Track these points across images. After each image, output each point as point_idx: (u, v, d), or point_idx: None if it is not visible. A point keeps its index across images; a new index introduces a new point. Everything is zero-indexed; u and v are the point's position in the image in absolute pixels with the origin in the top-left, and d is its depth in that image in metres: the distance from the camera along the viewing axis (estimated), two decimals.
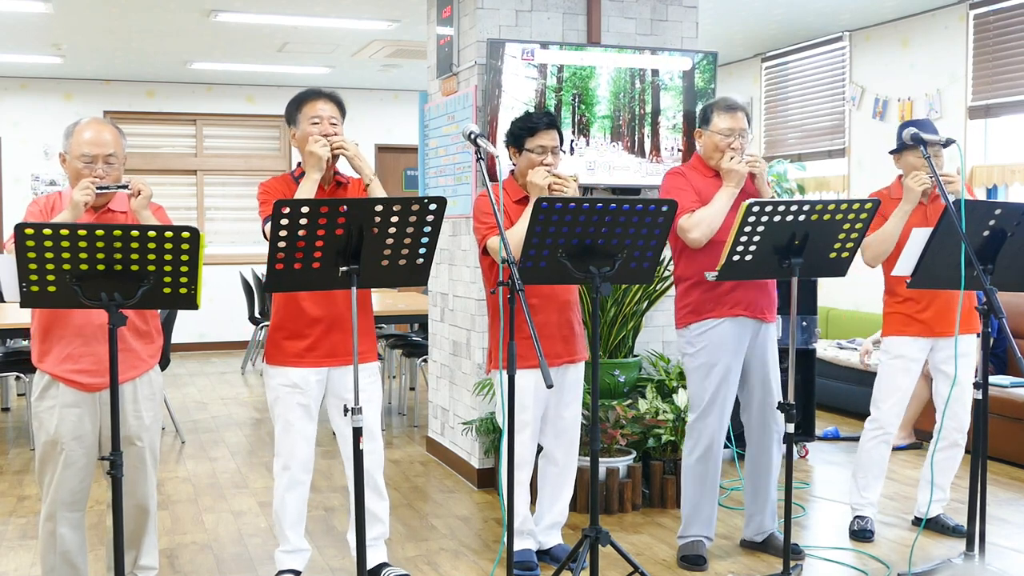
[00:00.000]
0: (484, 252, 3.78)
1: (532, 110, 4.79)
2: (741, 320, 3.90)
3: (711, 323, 3.89)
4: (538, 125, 3.74)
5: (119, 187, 3.23)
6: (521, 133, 3.76)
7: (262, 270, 8.08)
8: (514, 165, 3.85)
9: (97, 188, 3.18)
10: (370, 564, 3.79)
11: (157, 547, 3.58)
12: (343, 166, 3.69)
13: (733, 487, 5.00)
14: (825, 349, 7.16)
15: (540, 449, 3.99)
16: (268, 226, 3.46)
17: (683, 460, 4.06)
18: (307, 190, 3.47)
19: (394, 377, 7.94)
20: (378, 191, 3.55)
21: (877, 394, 4.32)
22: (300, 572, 3.74)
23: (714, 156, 3.92)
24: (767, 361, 4.00)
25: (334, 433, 3.81)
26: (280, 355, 3.60)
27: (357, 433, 3.02)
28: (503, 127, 4.69)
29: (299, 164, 3.63)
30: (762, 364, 3.99)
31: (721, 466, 4.04)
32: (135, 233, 2.81)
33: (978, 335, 5.29)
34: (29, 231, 2.73)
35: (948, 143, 3.81)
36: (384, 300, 7.57)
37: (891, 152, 4.31)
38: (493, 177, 4.41)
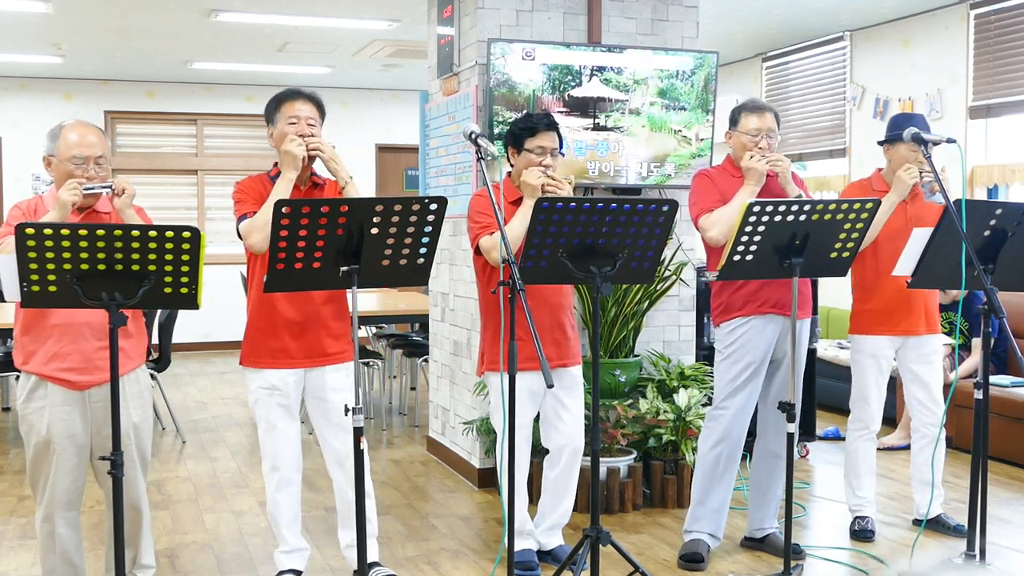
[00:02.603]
0: (477, 252, 3.78)
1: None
2: (770, 317, 3.91)
3: (740, 321, 3.93)
4: (538, 126, 3.74)
5: (104, 187, 3.23)
6: (521, 133, 3.76)
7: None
8: (512, 166, 3.85)
9: (84, 188, 3.17)
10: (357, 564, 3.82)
11: (153, 546, 3.58)
12: (321, 168, 3.68)
13: (735, 486, 4.99)
14: (825, 349, 7.16)
15: (546, 452, 3.99)
16: (243, 225, 3.50)
17: (698, 451, 4.08)
18: (282, 190, 3.46)
19: (394, 377, 7.94)
20: (353, 193, 3.54)
21: (855, 394, 4.37)
22: (300, 572, 3.74)
23: (742, 156, 3.94)
24: (796, 358, 3.99)
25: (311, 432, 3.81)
26: (256, 357, 3.59)
27: (358, 433, 3.02)
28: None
29: (275, 164, 3.63)
30: (788, 361, 3.97)
31: (737, 465, 4.04)
32: (136, 233, 2.81)
33: (964, 336, 5.27)
34: (30, 231, 2.73)
35: (950, 142, 3.82)
36: (384, 300, 7.57)
37: (881, 143, 4.32)
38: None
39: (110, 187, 3.24)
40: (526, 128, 3.75)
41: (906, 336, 4.28)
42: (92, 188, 3.21)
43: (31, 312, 3.20)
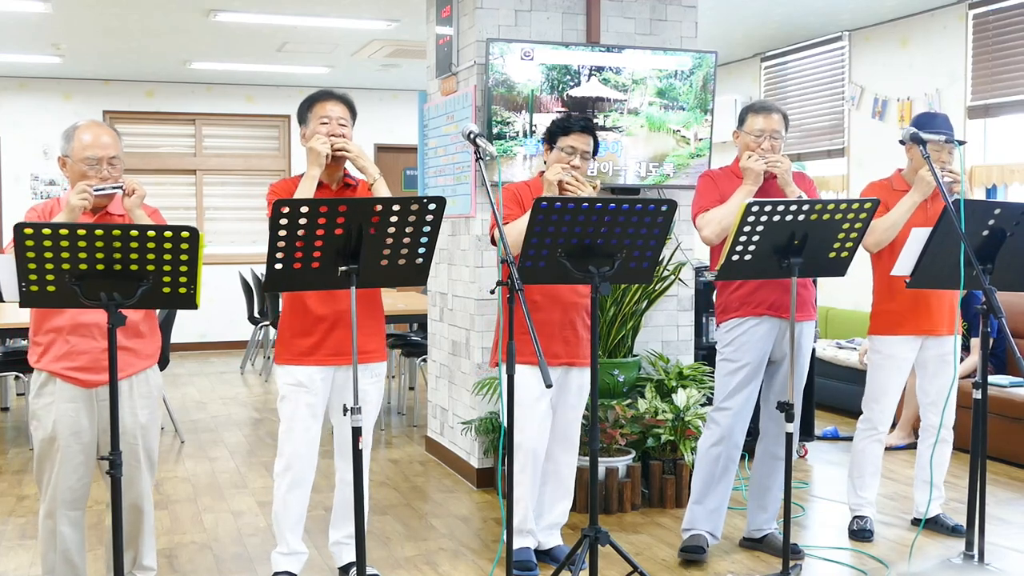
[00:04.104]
0: (492, 240, 3.83)
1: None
2: (767, 319, 3.92)
3: (736, 322, 3.95)
4: (573, 126, 3.79)
5: (114, 188, 3.24)
6: (556, 131, 3.83)
7: (262, 270, 8.08)
8: (545, 163, 3.88)
9: (94, 190, 3.18)
10: (343, 561, 3.84)
11: (155, 548, 3.58)
12: (354, 168, 3.70)
13: (735, 487, 4.99)
14: (824, 349, 7.16)
15: None
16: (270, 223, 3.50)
17: (697, 451, 4.09)
18: (306, 187, 3.49)
19: (393, 377, 7.94)
20: (382, 190, 3.57)
21: (869, 394, 4.34)
22: (296, 574, 3.74)
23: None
24: (796, 360, 3.99)
25: (331, 432, 3.81)
26: (287, 354, 3.62)
27: (356, 433, 3.02)
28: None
29: None
30: (788, 361, 3.96)
31: (736, 465, 4.04)
32: (134, 233, 2.81)
33: (963, 336, 5.23)
34: (28, 231, 2.73)
35: (953, 141, 3.80)
36: (384, 300, 7.55)
37: (902, 142, 4.29)
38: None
39: (120, 188, 3.25)
40: (561, 127, 3.81)
41: (927, 336, 4.26)
42: (103, 189, 3.22)
43: (42, 311, 3.23)
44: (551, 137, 3.84)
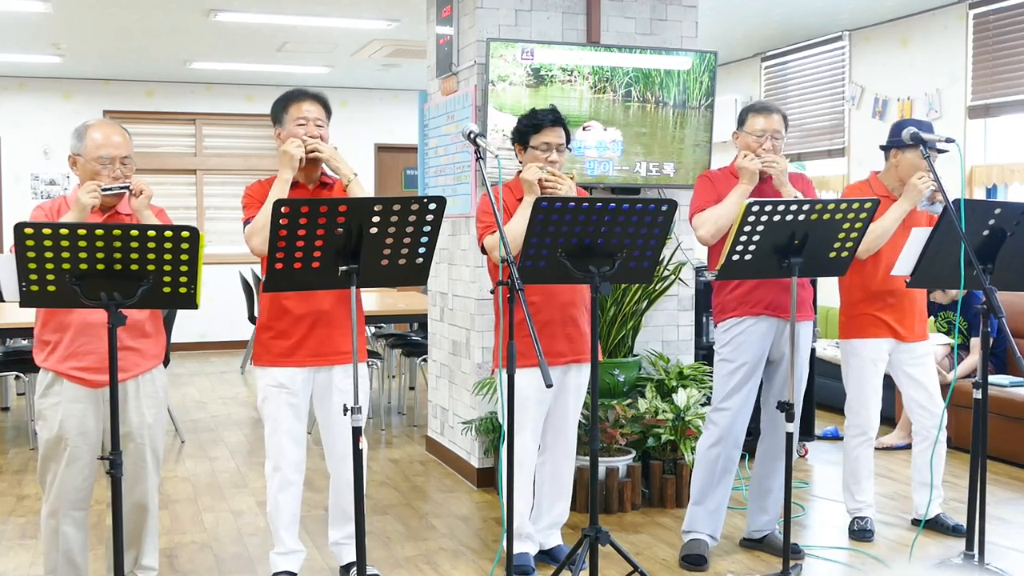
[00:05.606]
0: (483, 250, 3.79)
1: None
2: (765, 319, 3.92)
3: (734, 321, 3.95)
4: (543, 122, 3.74)
5: (122, 188, 3.24)
6: (526, 130, 3.77)
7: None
8: (520, 163, 3.85)
9: (102, 190, 3.19)
10: (344, 561, 3.84)
11: (158, 548, 3.58)
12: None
13: (735, 487, 4.99)
14: (824, 349, 7.16)
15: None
16: (246, 229, 3.51)
17: (696, 451, 4.09)
18: (278, 191, 3.48)
19: (394, 376, 7.94)
20: (357, 190, 3.55)
21: (851, 398, 4.36)
22: (296, 574, 3.74)
23: None
24: (795, 359, 3.99)
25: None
26: (267, 355, 3.60)
27: (356, 433, 3.02)
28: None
29: None
30: (787, 361, 3.97)
31: (736, 465, 4.04)
32: (135, 233, 2.82)
33: (963, 335, 5.21)
34: (29, 231, 2.74)
35: (949, 141, 3.81)
36: (384, 299, 7.57)
37: (884, 148, 4.30)
38: None
39: (128, 188, 3.25)
40: (531, 125, 3.75)
41: (899, 340, 4.27)
42: (111, 189, 3.22)
43: (49, 311, 3.23)
44: (521, 137, 3.78)
